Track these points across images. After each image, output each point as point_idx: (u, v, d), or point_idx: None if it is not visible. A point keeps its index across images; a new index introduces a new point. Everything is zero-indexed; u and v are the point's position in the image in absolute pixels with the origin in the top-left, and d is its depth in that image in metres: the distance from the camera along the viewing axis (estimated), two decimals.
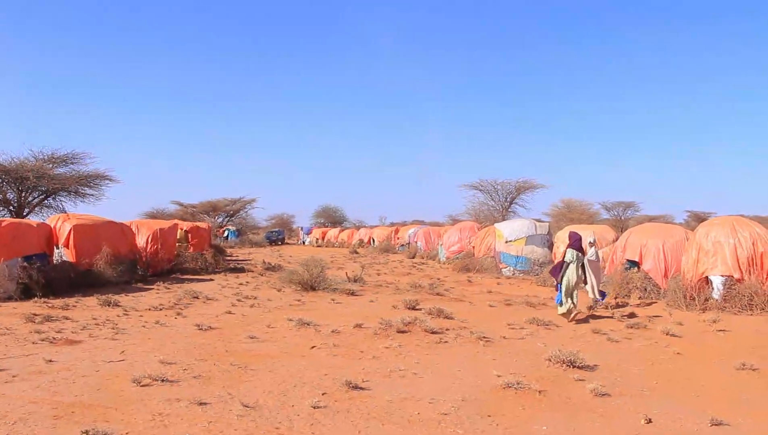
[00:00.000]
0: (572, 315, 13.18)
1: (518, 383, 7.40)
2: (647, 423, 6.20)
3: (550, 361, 8.68)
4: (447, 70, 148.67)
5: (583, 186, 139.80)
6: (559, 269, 13.64)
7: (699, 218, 49.34)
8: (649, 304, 15.41)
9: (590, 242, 14.36)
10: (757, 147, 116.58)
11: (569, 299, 13.22)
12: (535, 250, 24.71)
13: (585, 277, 13.65)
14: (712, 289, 14.65)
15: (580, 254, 13.59)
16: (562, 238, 21.33)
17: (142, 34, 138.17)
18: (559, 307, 13.42)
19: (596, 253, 14.34)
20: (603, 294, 14.39)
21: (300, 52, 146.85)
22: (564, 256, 13.76)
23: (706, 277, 14.83)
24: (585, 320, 13.20)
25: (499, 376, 7.83)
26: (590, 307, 14.07)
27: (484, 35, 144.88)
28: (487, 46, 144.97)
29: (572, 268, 13.37)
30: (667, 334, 11.18)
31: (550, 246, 24.34)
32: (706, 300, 14.41)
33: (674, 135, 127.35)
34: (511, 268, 24.75)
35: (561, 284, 13.34)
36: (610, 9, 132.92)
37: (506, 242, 25.16)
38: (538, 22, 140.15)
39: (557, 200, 55.36)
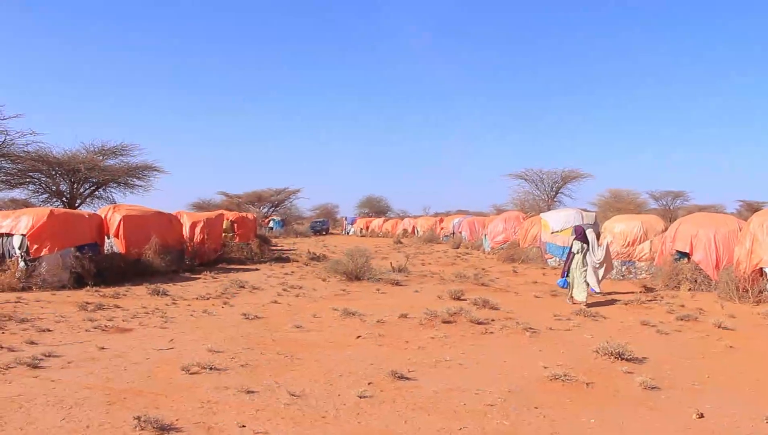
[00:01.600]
0: (573, 298, 14.11)
1: (565, 375, 7.31)
2: (699, 418, 6.06)
3: (598, 353, 8.56)
4: (487, 62, 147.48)
5: (630, 176, 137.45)
6: (568, 259, 14.44)
7: (752, 208, 47.96)
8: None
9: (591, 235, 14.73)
10: None
11: (581, 285, 14.03)
12: None
13: (590, 266, 14.26)
14: (767, 280, 14.24)
15: (585, 245, 14.32)
16: (609, 228, 21.00)
17: (190, 25, 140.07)
18: (574, 293, 14.14)
19: (598, 246, 14.68)
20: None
21: (340, 45, 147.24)
22: (571, 247, 14.51)
23: (761, 268, 14.41)
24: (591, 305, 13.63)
25: (545, 368, 7.76)
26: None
27: (523, 26, 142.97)
28: (528, 36, 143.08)
29: (578, 257, 14.20)
30: (719, 327, 10.91)
31: (597, 236, 23.96)
32: (761, 292, 14.01)
33: (724, 122, 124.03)
34: (557, 259, 24.40)
35: (567, 272, 14.25)
36: None
37: (552, 233, 24.83)
38: (583, 9, 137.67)
39: (604, 190, 54.48)
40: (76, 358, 8.07)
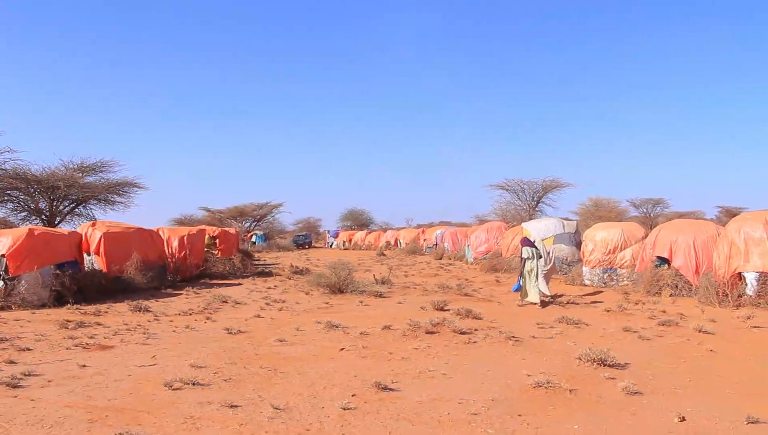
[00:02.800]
0: (524, 301, 15.44)
1: (549, 382, 7.35)
2: (681, 421, 6.11)
3: (581, 359, 8.60)
4: (467, 72, 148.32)
5: (611, 184, 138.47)
6: (522, 265, 15.82)
7: (730, 213, 48.49)
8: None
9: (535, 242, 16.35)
10: None
11: (533, 288, 15.40)
12: (563, 248, 24.46)
13: (539, 270, 15.50)
14: (746, 285, 14.40)
15: (534, 250, 15.70)
16: (590, 236, 21.15)
17: (169, 38, 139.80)
18: (529, 296, 15.44)
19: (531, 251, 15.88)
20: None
21: (323, 57, 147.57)
22: (522, 254, 15.93)
23: (739, 273, 14.59)
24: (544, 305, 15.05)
25: (529, 376, 7.78)
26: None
27: (503, 38, 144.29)
28: (506, 47, 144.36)
29: (529, 263, 15.56)
30: (699, 332, 11.01)
31: (578, 244, 24.06)
32: (740, 296, 14.17)
33: (703, 130, 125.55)
34: None
35: (521, 276, 15.72)
36: (633, 5, 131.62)
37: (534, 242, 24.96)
38: (558, 21, 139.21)
39: (585, 198, 54.81)
40: (57, 376, 7.99)
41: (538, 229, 25.40)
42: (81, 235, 18.49)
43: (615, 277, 20.05)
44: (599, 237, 20.76)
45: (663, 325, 11.84)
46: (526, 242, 16.20)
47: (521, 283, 15.73)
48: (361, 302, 15.99)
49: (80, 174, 32.49)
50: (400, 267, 30.61)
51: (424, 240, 48.27)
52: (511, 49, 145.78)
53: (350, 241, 68.41)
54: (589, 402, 6.85)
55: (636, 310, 14.02)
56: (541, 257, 15.65)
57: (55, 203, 31.46)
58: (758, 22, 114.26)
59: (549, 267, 15.71)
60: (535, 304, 15.11)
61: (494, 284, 21.38)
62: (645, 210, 56.85)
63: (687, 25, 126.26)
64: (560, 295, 16.80)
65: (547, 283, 15.67)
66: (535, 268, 15.47)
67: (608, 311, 13.85)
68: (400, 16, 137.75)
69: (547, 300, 15.61)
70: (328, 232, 79.98)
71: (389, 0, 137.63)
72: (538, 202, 48.77)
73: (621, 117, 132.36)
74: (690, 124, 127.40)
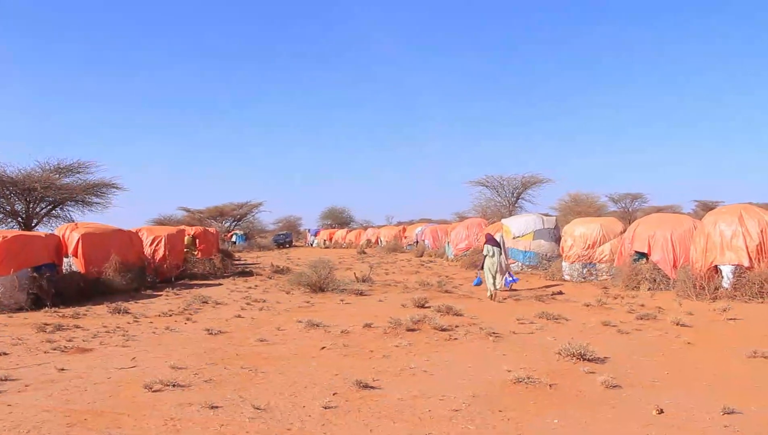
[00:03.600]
0: (494, 295, 16.13)
1: (529, 378, 7.40)
2: (659, 413, 6.18)
3: (561, 354, 8.68)
4: (446, 68, 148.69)
5: (590, 179, 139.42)
6: (483, 261, 16.97)
7: (707, 207, 49.00)
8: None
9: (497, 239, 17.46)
10: (766, 134, 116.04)
11: (492, 282, 16.34)
12: (542, 244, 24.65)
13: (499, 266, 16.64)
14: (722, 278, 14.60)
15: (495, 248, 16.69)
16: (569, 232, 21.30)
17: (143, 41, 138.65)
18: (489, 287, 16.43)
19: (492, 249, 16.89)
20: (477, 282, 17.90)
21: (301, 55, 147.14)
22: (483, 251, 16.98)
23: (716, 266, 14.78)
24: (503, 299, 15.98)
25: (509, 371, 7.83)
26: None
27: (481, 34, 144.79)
28: (484, 44, 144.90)
29: (488, 259, 16.60)
30: (677, 325, 11.15)
31: (558, 240, 24.21)
32: (716, 289, 14.36)
33: (680, 124, 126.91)
34: (520, 263, 24.67)
35: (481, 271, 16.96)
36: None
37: (514, 238, 25.10)
38: (534, 18, 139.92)
39: (564, 194, 55.18)
40: (35, 380, 7.90)
41: (517, 225, 25.58)
42: (59, 237, 18.27)
43: (594, 272, 20.21)
44: (578, 232, 20.91)
45: (641, 318, 11.97)
46: (491, 239, 17.20)
47: (481, 277, 17.16)
48: (342, 301, 15.98)
49: (57, 175, 32.12)
50: (380, 265, 30.62)
51: (405, 237, 48.33)
52: (489, 45, 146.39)
53: (331, 239, 68.32)
54: (569, 396, 6.91)
55: (615, 305, 14.17)
56: (502, 254, 16.86)
57: (31, 205, 31.09)
58: (729, 14, 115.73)
59: (506, 263, 17.08)
60: (495, 294, 16.18)
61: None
62: (624, 205, 57.34)
63: (660, 18, 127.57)
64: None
65: (504, 276, 16.90)
66: (496, 264, 16.50)
67: (588, 306, 13.98)
68: (373, 12, 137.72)
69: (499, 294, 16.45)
70: (309, 230, 79.86)
71: None
72: (517, 199, 48.93)
73: (599, 113, 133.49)
74: (667, 119, 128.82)
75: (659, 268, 16.95)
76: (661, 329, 10.97)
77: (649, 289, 16.39)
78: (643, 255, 17.70)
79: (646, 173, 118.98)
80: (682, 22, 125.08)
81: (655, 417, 6.11)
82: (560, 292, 17.00)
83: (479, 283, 17.45)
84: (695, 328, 10.97)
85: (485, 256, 16.81)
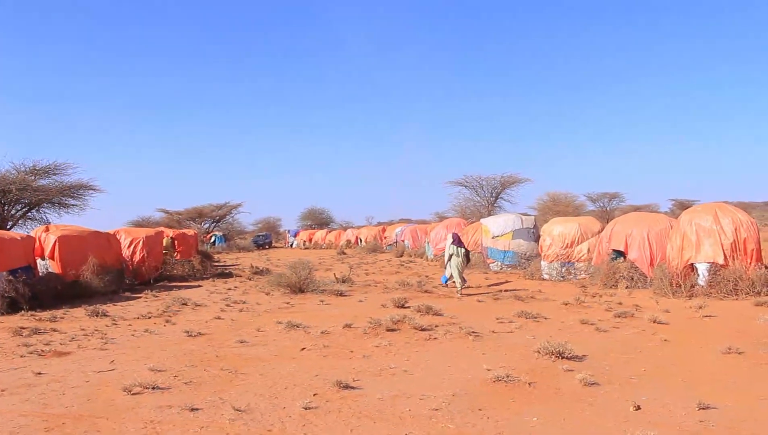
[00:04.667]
0: (460, 291, 17.18)
1: (508, 376, 7.45)
2: (636, 410, 6.26)
3: (539, 353, 8.74)
4: (423, 67, 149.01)
5: (568, 179, 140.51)
6: (449, 260, 17.81)
7: (683, 206, 49.62)
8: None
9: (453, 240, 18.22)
10: (740, 133, 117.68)
11: (459, 280, 17.33)
12: (521, 244, 24.80)
13: (465, 264, 17.87)
14: (698, 275, 14.81)
15: (460, 248, 17.65)
16: (548, 231, 21.45)
17: (122, 41, 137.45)
18: (448, 286, 18.28)
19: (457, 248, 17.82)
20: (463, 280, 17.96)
21: (277, 56, 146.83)
22: (449, 250, 17.75)
23: (691, 264, 14.97)
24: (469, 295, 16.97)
25: (489, 370, 7.88)
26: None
27: (456, 33, 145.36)
28: (460, 43, 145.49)
29: (454, 258, 17.52)
30: (654, 322, 11.29)
31: (537, 239, 24.39)
32: (692, 287, 14.57)
33: (657, 124, 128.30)
34: (499, 263, 24.84)
35: (447, 269, 17.86)
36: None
37: (493, 237, 25.25)
38: (510, 15, 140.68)
39: (542, 194, 55.47)
40: (11, 385, 7.81)
41: (497, 224, 25.71)
42: (35, 239, 18.09)
43: (573, 271, 20.38)
44: (557, 231, 21.07)
45: (619, 316, 12.10)
46: (457, 239, 18.08)
47: (448, 275, 17.95)
48: (322, 301, 15.97)
49: (33, 177, 31.75)
50: (360, 265, 30.62)
51: (385, 238, 48.39)
52: (466, 44, 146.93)
53: (310, 240, 68.11)
54: (548, 394, 6.97)
55: (593, 303, 14.30)
56: (466, 254, 18.00)
57: (6, 207, 30.71)
58: (706, 12, 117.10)
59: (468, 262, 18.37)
60: (458, 290, 17.25)
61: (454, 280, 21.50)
62: (601, 204, 57.79)
63: (638, 15, 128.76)
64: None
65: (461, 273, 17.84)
66: (461, 263, 17.51)
67: (566, 305, 14.09)
68: (350, 12, 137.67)
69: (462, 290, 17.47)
70: (288, 231, 79.52)
71: None
72: (496, 198, 49.18)
73: (577, 112, 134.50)
74: (644, 118, 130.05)
75: (636, 267, 17.14)
76: (639, 327, 11.10)
77: (626, 287, 16.56)
78: (620, 253, 17.89)
79: (623, 173, 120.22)
80: (654, 20, 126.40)
81: (632, 413, 6.19)
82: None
83: (447, 280, 18.39)
84: (672, 326, 11.11)
85: (451, 255, 17.64)
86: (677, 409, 6.27)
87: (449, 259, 17.74)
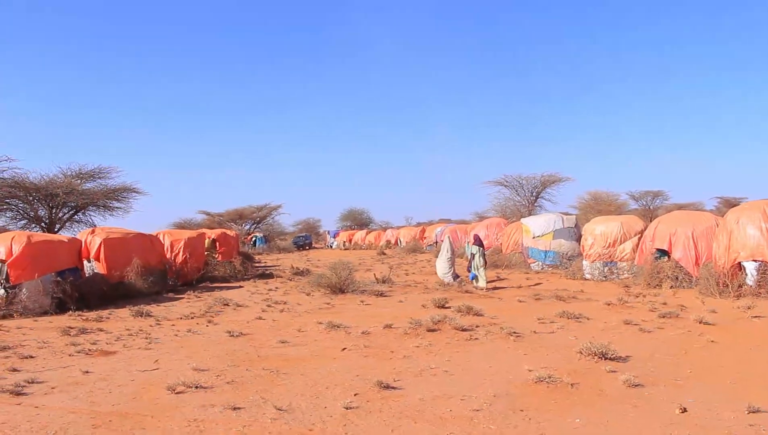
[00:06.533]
0: (484, 287, 18.52)
1: (550, 377, 7.37)
2: (682, 412, 6.13)
3: (582, 353, 8.63)
4: (463, 70, 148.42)
5: (609, 177, 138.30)
6: (472, 259, 19.33)
7: (730, 204, 48.52)
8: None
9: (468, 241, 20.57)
10: None
11: (483, 277, 18.80)
12: (563, 243, 24.54)
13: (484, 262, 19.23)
14: (746, 275, 14.44)
15: (481, 248, 19.18)
16: (590, 230, 21.18)
17: (163, 50, 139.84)
18: (474, 282, 19.06)
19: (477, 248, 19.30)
20: (472, 276, 19.42)
21: (318, 60, 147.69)
22: (472, 250, 19.28)
23: (739, 263, 14.62)
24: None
25: (530, 371, 7.81)
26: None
27: (495, 33, 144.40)
28: (499, 42, 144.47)
29: (476, 257, 19.01)
30: (700, 323, 11.05)
31: (578, 239, 24.09)
32: (740, 286, 14.21)
33: (702, 119, 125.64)
34: (540, 263, 24.62)
35: (471, 267, 19.29)
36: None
37: (534, 237, 25.03)
38: (550, 14, 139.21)
39: (583, 193, 54.75)
40: (60, 383, 8.00)
41: (537, 224, 25.48)
42: (81, 241, 18.49)
43: (615, 271, 20.08)
44: (598, 231, 20.80)
45: (664, 317, 11.88)
46: (478, 241, 19.68)
47: (475, 273, 19.11)
48: (362, 302, 16.01)
49: (78, 181, 32.51)
50: (400, 266, 30.64)
51: (424, 238, 48.28)
52: (505, 44, 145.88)
53: (350, 241, 68.29)
54: (591, 396, 6.88)
55: (637, 303, 14.06)
56: (484, 254, 19.38)
57: (54, 211, 31.49)
58: (758, 13, 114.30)
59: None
60: (484, 288, 18.46)
61: (495, 280, 21.38)
62: (644, 202, 56.79)
63: (682, 14, 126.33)
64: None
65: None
66: (482, 262, 18.98)
67: (609, 305, 13.90)
68: (389, 15, 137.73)
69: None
70: (328, 232, 79.82)
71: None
72: (537, 198, 48.72)
73: (618, 110, 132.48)
74: (688, 115, 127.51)
75: (681, 266, 16.82)
76: (684, 328, 10.88)
77: (671, 287, 16.26)
78: (664, 253, 17.57)
79: (667, 170, 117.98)
80: (705, 19, 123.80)
81: (678, 416, 6.06)
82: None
83: (474, 277, 19.19)
84: (719, 327, 10.86)
85: (473, 255, 19.22)
86: (725, 413, 6.12)
87: (472, 258, 19.30)
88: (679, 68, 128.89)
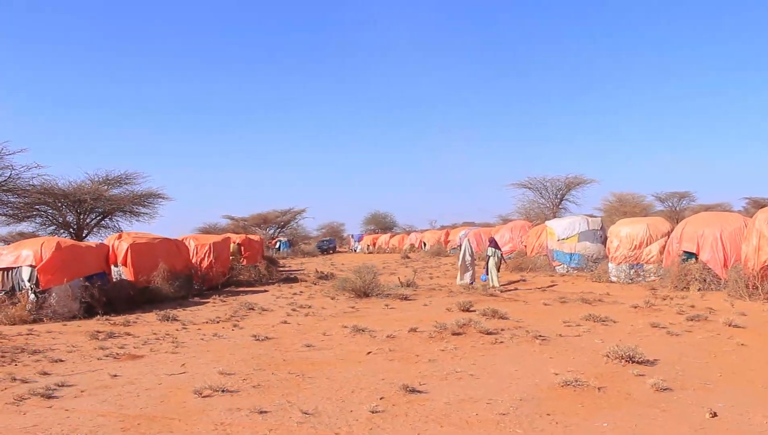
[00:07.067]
0: (496, 288, 19.30)
1: (576, 381, 7.31)
2: (712, 417, 6.05)
3: (609, 357, 8.56)
4: (486, 71, 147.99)
5: (635, 179, 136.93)
6: (487, 260, 20.33)
7: (758, 205, 47.70)
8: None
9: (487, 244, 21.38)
10: None
11: (496, 278, 19.89)
12: (588, 246, 24.34)
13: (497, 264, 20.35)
14: None
15: (497, 250, 20.34)
16: (615, 233, 21.00)
17: (187, 54, 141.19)
18: (489, 283, 19.86)
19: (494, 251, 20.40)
20: (483, 278, 20.58)
21: (341, 66, 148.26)
22: (488, 253, 20.43)
23: None
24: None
25: (556, 375, 7.75)
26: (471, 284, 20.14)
27: (516, 34, 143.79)
28: (522, 44, 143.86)
29: (492, 259, 20.10)
30: (729, 326, 10.90)
31: (604, 241, 23.88)
32: None
33: (728, 120, 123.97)
34: (565, 266, 24.43)
35: (487, 268, 20.20)
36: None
37: (558, 240, 24.86)
38: (571, 15, 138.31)
39: (608, 194, 54.24)
40: (89, 386, 8.11)
41: (562, 227, 25.31)
42: (108, 246, 18.73)
43: (642, 273, 19.89)
44: (624, 233, 20.61)
45: (692, 320, 11.72)
46: (493, 243, 20.89)
47: (488, 275, 20.03)
48: (387, 305, 16.01)
49: (106, 187, 32.85)
50: (424, 269, 30.61)
51: (448, 241, 48.17)
52: (527, 45, 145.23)
53: (374, 244, 68.33)
54: (618, 399, 6.81)
55: (664, 306, 13.90)
56: (501, 257, 20.63)
57: (82, 216, 31.85)
58: (758, 13, 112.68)
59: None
60: (497, 288, 19.27)
61: (520, 283, 21.28)
62: (670, 204, 56.06)
63: (706, 13, 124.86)
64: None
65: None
66: (496, 264, 20.10)
67: (636, 308, 13.75)
68: (406, 16, 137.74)
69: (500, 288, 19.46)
70: (352, 236, 79.97)
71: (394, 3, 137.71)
72: (561, 200, 48.35)
73: (643, 110, 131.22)
74: (715, 115, 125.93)
75: (709, 268, 16.60)
76: (713, 330, 10.73)
77: (698, 289, 16.05)
78: (691, 255, 17.35)
79: (693, 171, 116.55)
80: (728, 18, 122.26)
81: (708, 420, 5.99)
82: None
83: (486, 278, 20.16)
84: (749, 329, 10.70)
85: (489, 257, 20.23)
86: (757, 417, 6.03)
87: (488, 260, 20.20)
88: (706, 66, 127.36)
